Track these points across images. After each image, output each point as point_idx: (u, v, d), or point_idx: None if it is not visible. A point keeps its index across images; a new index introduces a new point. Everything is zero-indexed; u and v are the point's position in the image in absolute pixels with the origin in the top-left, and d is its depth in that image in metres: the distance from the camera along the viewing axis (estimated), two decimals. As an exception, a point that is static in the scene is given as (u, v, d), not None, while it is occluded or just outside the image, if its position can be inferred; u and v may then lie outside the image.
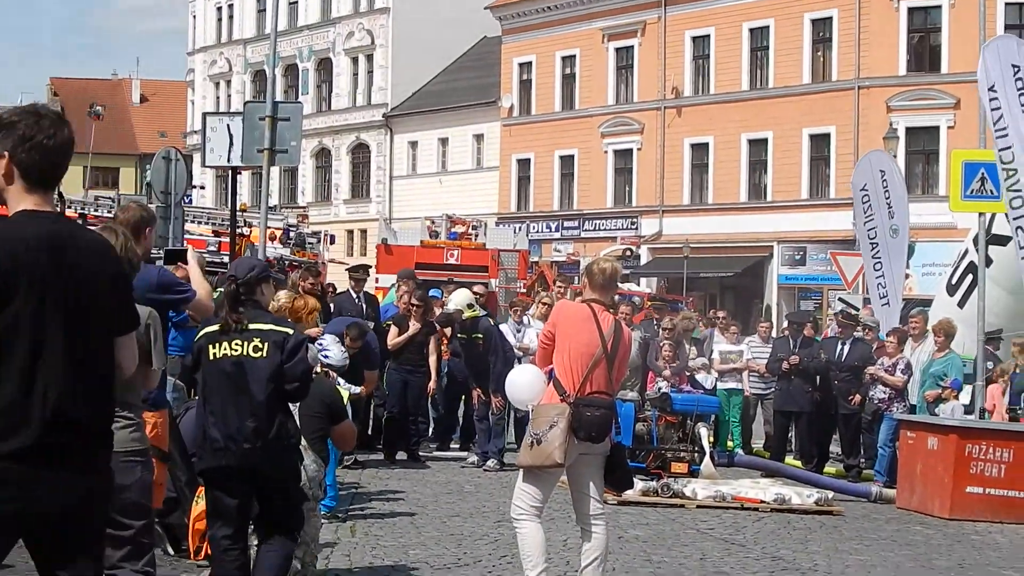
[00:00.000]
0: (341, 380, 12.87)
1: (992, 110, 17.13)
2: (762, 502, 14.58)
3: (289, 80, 72.07)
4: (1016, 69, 17.37)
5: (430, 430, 19.00)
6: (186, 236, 21.38)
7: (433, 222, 33.44)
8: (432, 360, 17.51)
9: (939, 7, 45.60)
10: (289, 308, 11.28)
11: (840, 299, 30.26)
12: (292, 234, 29.43)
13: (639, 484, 14.05)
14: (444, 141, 64.50)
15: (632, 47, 55.25)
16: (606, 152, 55.94)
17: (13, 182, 4.73)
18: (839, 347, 18.57)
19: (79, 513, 4.65)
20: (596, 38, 56.07)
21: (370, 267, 21.09)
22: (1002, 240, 19.83)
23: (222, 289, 7.61)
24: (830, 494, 15.10)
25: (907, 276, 37.07)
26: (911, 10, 46.33)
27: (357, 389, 14.05)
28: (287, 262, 25.98)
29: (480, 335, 17.04)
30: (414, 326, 17.40)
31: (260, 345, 7.67)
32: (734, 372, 20.05)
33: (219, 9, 78.15)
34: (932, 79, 45.59)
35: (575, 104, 57.46)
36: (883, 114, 45.38)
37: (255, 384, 7.62)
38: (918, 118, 45.61)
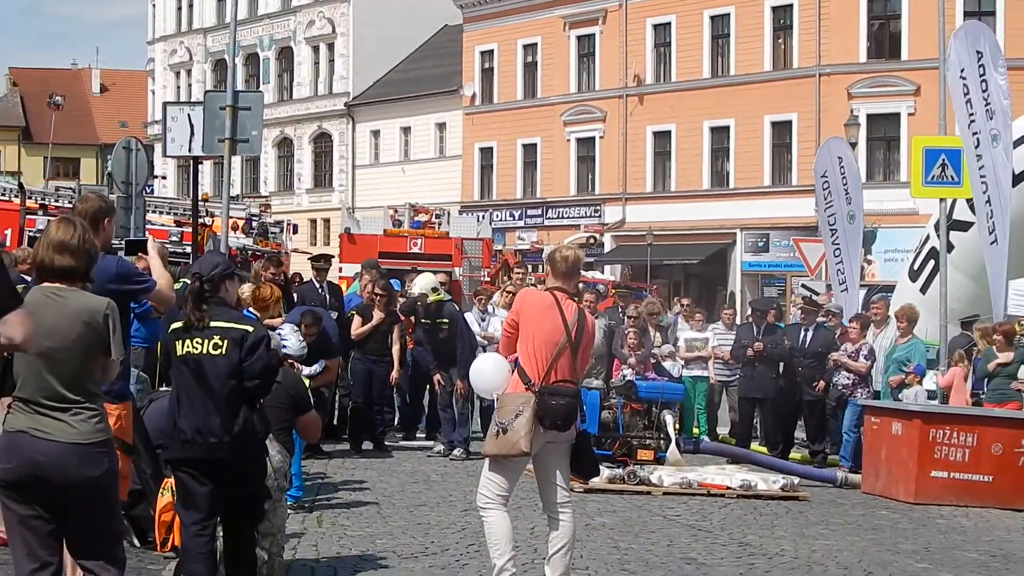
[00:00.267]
0: (305, 368, 12.86)
1: (963, 96, 17.25)
2: (728, 488, 14.61)
3: (250, 69, 71.77)
4: (980, 55, 17.49)
5: (396, 419, 18.96)
6: (148, 226, 21.22)
7: (396, 211, 33.41)
8: (395, 350, 17.44)
9: (899, -6, 45.78)
10: (255, 297, 11.26)
11: (803, 285, 30.41)
12: (255, 224, 29.27)
13: (605, 472, 14.04)
14: (406, 130, 64.36)
15: (593, 35, 55.26)
16: (568, 140, 55.93)
17: None
18: (802, 333, 18.60)
19: None
20: (557, 26, 56.04)
21: (332, 256, 21.02)
22: (963, 226, 19.99)
23: (186, 280, 7.61)
24: (796, 480, 15.14)
25: (870, 262, 37.41)
26: (871, -4, 46.50)
27: (318, 368, 14.00)
28: (250, 252, 25.86)
29: (445, 319, 16.95)
30: (378, 316, 17.32)
31: (220, 343, 7.80)
32: (699, 360, 20.06)
33: (179, -2, 77.81)
34: (892, 66, 45.75)
35: (537, 92, 57.42)
36: (844, 101, 45.53)
37: (216, 381, 7.77)
38: (879, 105, 45.79)
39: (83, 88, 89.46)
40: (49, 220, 12.71)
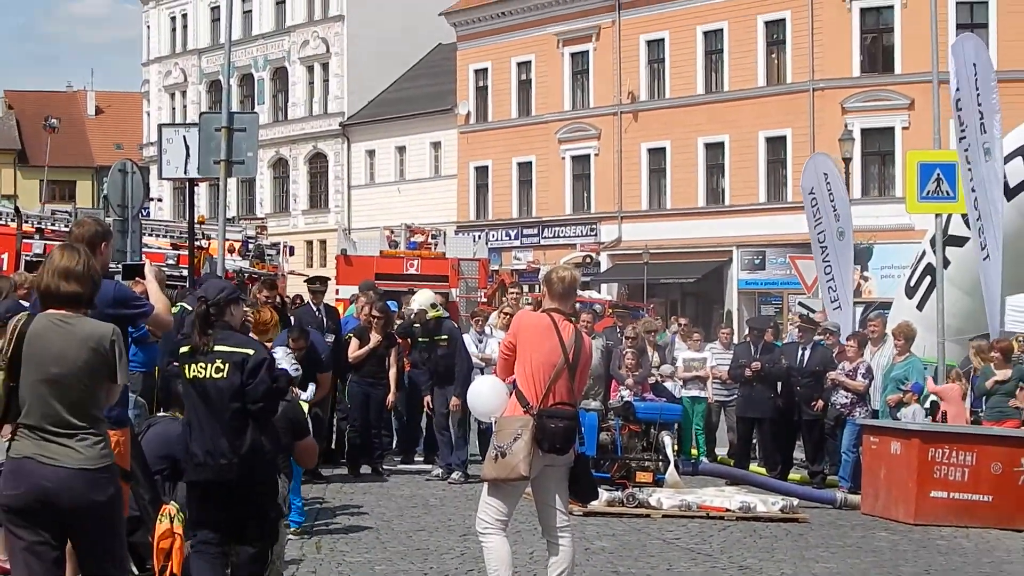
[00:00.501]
0: (302, 393, 12.82)
1: (957, 110, 17.27)
2: (727, 510, 14.55)
3: (245, 90, 71.74)
4: (975, 68, 17.51)
5: (393, 443, 18.90)
6: (144, 250, 21.18)
7: (392, 232, 33.41)
8: (392, 372, 17.38)
9: (891, 7, 45.76)
10: (255, 322, 11.24)
11: (800, 303, 30.37)
12: (251, 246, 29.23)
13: (604, 494, 14.00)
14: (401, 149, 64.36)
15: (587, 52, 55.26)
16: (563, 158, 55.89)
17: None
18: (800, 352, 18.55)
19: None
20: (551, 43, 56.06)
21: (328, 279, 20.96)
22: (959, 241, 19.95)
23: (183, 304, 7.62)
24: (795, 501, 15.08)
25: (866, 279, 37.41)
26: (863, 11, 46.43)
27: (313, 390, 13.97)
28: (247, 274, 25.82)
29: (444, 336, 16.91)
30: (375, 338, 17.27)
31: (221, 366, 7.98)
32: (697, 380, 20.01)
33: (173, 19, 77.70)
34: (886, 80, 45.79)
35: (531, 110, 57.40)
36: (838, 116, 45.52)
37: (220, 404, 7.98)
38: (873, 119, 45.79)
39: (78, 110, 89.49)
40: (51, 246, 12.66)
